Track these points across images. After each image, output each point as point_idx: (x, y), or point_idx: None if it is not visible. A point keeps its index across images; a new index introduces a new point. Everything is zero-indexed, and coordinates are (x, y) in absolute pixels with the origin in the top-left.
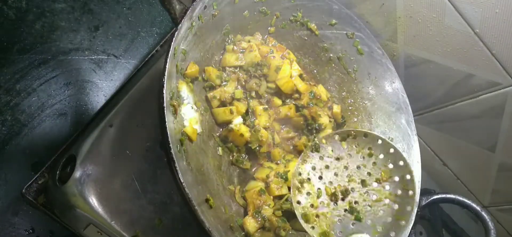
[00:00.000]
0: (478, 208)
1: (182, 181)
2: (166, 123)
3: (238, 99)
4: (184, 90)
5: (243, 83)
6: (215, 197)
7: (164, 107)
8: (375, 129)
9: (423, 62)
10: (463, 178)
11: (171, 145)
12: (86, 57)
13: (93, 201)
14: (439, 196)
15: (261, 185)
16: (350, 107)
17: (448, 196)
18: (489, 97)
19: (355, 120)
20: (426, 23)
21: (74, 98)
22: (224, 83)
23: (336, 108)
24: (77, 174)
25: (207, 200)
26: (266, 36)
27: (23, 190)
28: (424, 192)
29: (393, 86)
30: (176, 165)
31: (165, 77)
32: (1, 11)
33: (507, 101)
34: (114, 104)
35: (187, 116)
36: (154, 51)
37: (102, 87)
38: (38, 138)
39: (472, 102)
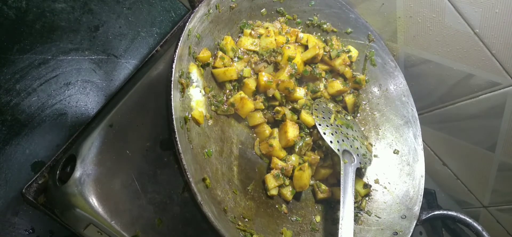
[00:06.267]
0: (479, 228)
1: (180, 151)
2: (172, 96)
3: (245, 77)
4: (194, 73)
5: (253, 66)
6: (212, 180)
7: (171, 80)
8: (382, 140)
9: (423, 62)
10: (463, 178)
11: (173, 116)
12: (86, 57)
13: (93, 201)
14: (440, 212)
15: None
16: (358, 115)
17: (450, 213)
18: (489, 97)
19: (363, 129)
20: (426, 23)
21: (74, 98)
22: (235, 59)
23: (350, 99)
24: (77, 174)
25: (204, 179)
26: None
27: (23, 190)
28: (425, 206)
29: (403, 99)
30: (177, 135)
31: (177, 54)
32: (1, 11)
33: (507, 101)
34: (114, 104)
35: (194, 98)
36: (154, 51)
37: (102, 87)
38: (38, 138)
39: (472, 102)
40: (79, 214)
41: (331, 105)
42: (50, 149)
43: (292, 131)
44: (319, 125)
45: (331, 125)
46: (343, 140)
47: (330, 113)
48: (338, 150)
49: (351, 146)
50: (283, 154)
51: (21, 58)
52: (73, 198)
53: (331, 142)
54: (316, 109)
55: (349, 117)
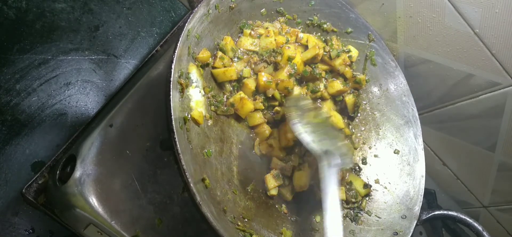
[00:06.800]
0: (479, 228)
1: (179, 152)
2: (171, 96)
3: (245, 77)
4: (194, 73)
5: (253, 66)
6: (212, 180)
7: (170, 81)
8: (382, 140)
9: (423, 62)
10: (463, 178)
11: (172, 116)
12: (86, 57)
13: (93, 201)
14: (440, 212)
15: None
16: (359, 115)
17: (450, 213)
18: (489, 97)
19: (363, 129)
20: (426, 23)
21: (74, 98)
22: (235, 59)
23: (350, 99)
24: (77, 174)
25: (203, 180)
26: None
27: (23, 190)
28: (425, 206)
29: (404, 99)
30: (175, 136)
31: (176, 54)
32: (1, 11)
33: (507, 101)
34: (114, 104)
35: (193, 98)
36: (154, 51)
37: (102, 87)
38: (38, 138)
39: (472, 102)
40: (79, 214)
41: (307, 101)
42: (50, 149)
43: (292, 131)
44: (296, 123)
45: (310, 122)
46: (322, 139)
47: (308, 111)
48: (319, 150)
49: (332, 146)
50: (283, 154)
51: (21, 58)
52: (73, 198)
53: (311, 141)
54: (290, 107)
55: (324, 116)
